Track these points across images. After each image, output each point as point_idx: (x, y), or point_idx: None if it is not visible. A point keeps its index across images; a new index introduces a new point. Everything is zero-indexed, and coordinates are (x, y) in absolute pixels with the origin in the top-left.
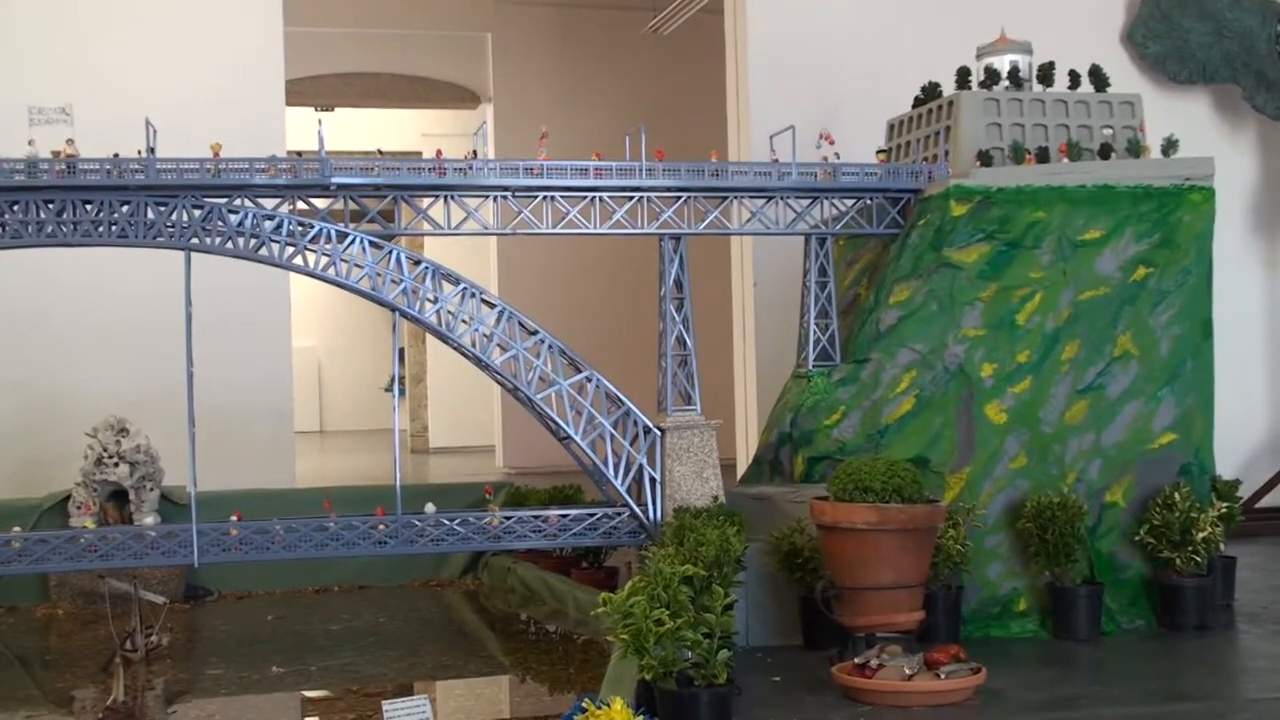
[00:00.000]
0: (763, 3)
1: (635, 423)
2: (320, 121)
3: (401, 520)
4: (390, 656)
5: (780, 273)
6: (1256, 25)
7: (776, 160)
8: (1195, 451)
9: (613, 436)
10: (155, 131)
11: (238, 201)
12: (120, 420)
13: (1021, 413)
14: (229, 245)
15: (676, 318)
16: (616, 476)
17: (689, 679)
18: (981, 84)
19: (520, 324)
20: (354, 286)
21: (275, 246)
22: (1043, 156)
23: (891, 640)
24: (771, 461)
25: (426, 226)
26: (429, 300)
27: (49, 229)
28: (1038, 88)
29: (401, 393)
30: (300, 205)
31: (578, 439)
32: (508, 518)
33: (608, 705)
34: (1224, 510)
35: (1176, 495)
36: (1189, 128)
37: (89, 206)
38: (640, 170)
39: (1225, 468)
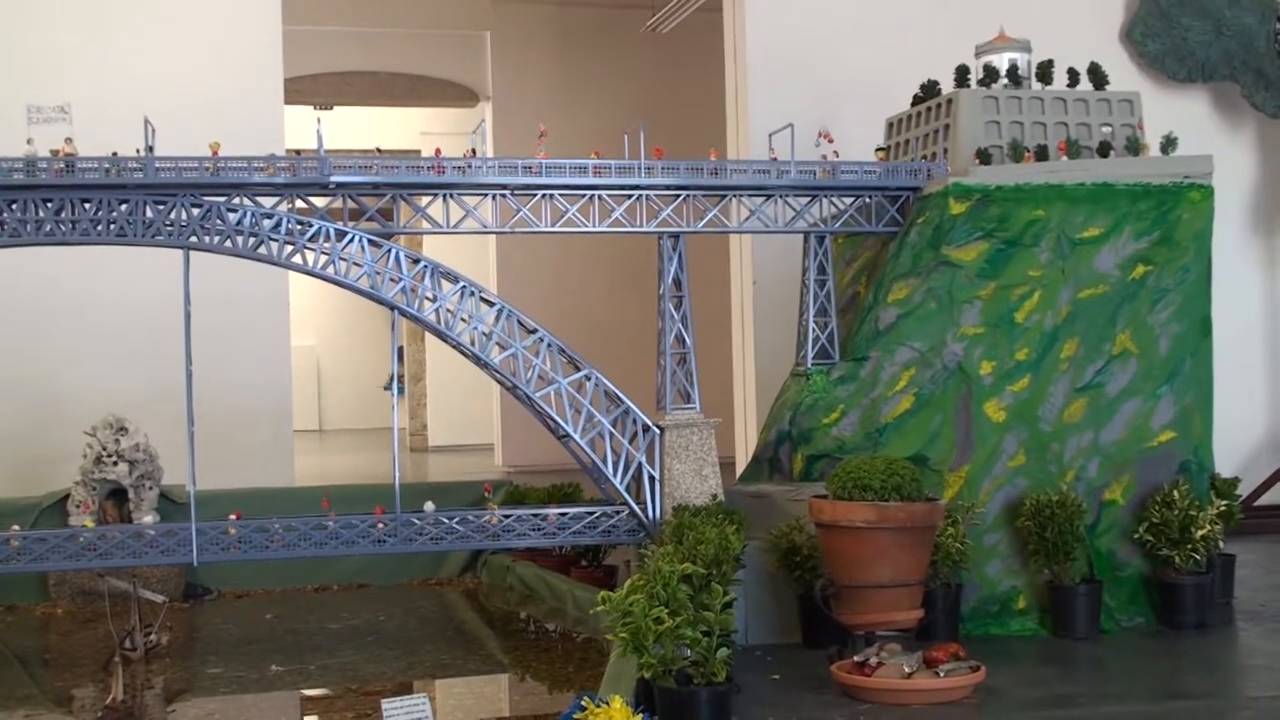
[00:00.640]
0: (761, 1)
1: (634, 421)
2: (319, 120)
3: (400, 519)
4: (389, 655)
5: (779, 271)
6: (1255, 23)
7: (775, 158)
8: (1194, 449)
9: (612, 435)
10: (154, 130)
11: (236, 200)
12: (119, 419)
13: (1020, 411)
14: (228, 244)
15: (675, 316)
16: (615, 475)
17: (688, 677)
18: (980, 82)
19: (519, 322)
20: (353, 285)
21: (274, 245)
22: (1041, 154)
23: (890, 638)
24: (770, 460)
25: (425, 225)
26: (428, 298)
27: (48, 228)
28: (1036, 86)
29: (400, 391)
30: (299, 204)
31: (577, 437)
32: (507, 516)
33: (607, 704)
34: (1223, 508)
35: (1175, 493)
36: (1188, 126)
37: (88, 205)
38: (639, 168)
39: (1224, 465)
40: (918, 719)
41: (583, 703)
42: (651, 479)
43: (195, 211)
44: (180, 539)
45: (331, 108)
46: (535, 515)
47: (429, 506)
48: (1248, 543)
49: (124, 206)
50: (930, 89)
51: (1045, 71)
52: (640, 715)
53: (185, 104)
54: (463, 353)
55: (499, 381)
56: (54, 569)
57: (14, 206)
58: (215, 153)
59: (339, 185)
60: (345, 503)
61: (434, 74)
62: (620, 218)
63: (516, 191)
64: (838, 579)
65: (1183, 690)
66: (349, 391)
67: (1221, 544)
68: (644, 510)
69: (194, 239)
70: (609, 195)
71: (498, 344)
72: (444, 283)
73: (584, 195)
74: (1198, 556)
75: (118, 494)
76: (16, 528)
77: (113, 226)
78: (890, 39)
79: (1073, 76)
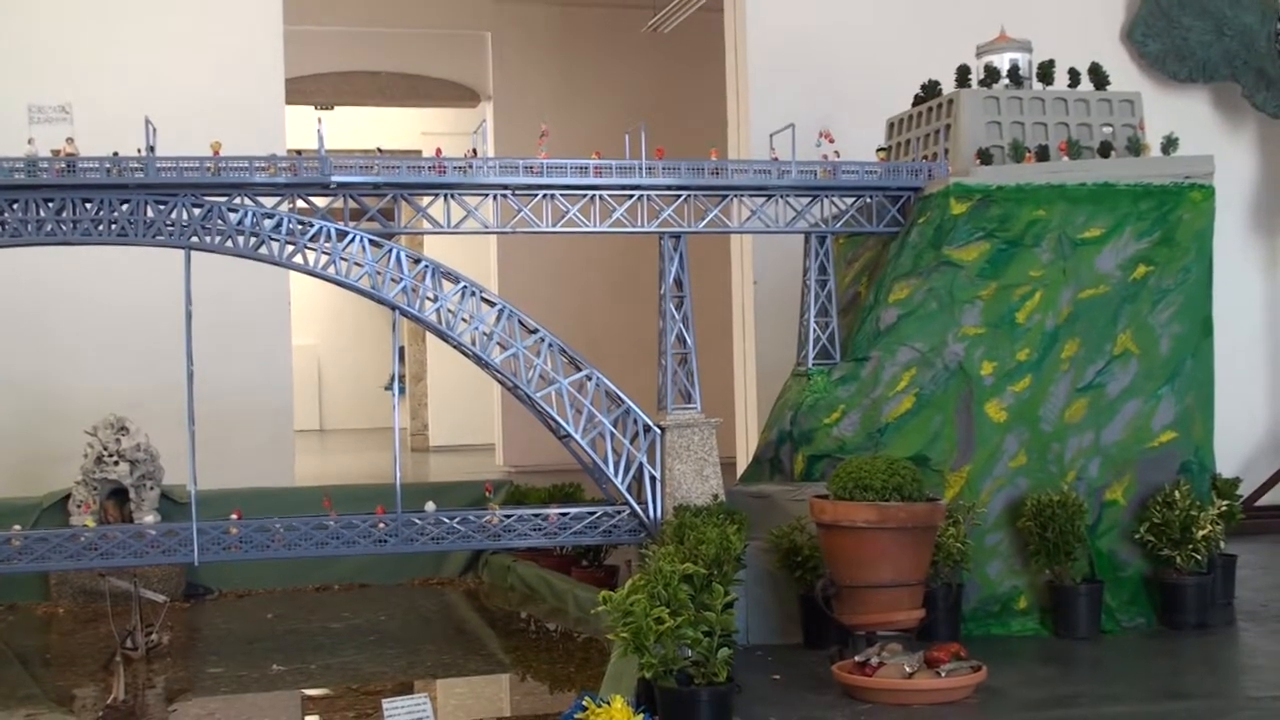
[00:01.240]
0: (762, 1)
1: (635, 421)
2: (320, 120)
3: (401, 519)
4: (390, 655)
5: (780, 271)
6: (1256, 23)
7: (776, 158)
8: (1195, 449)
9: (613, 435)
10: (155, 130)
11: (237, 200)
12: (120, 419)
13: (1021, 411)
14: (229, 244)
15: (676, 316)
16: (616, 475)
17: (689, 677)
18: (981, 82)
19: (520, 322)
20: (354, 285)
21: (275, 245)
22: (1043, 155)
23: (892, 638)
24: (771, 460)
25: (426, 225)
26: (429, 299)
27: (49, 227)
28: (1038, 86)
29: (401, 391)
30: (300, 204)
31: (578, 437)
32: (508, 516)
33: (608, 704)
34: (1224, 508)
35: (1176, 493)
36: (1189, 126)
37: (89, 205)
38: (640, 168)
39: (1225, 466)
40: (919, 719)
41: (584, 703)
42: (652, 479)
43: (196, 211)
44: (181, 539)
45: (332, 108)
46: (536, 515)
47: (430, 506)
48: (1249, 543)
49: (125, 206)
50: (931, 89)
51: (1046, 72)
52: (641, 715)
53: (186, 104)
54: (464, 353)
55: (500, 382)
56: (55, 568)
57: (15, 206)
58: (216, 153)
59: (340, 185)
60: (346, 502)
61: (435, 74)
62: (621, 218)
63: (517, 191)
64: (839, 579)
65: (1184, 691)
66: (350, 391)
67: (1222, 544)
68: (645, 510)
69: (195, 239)
70: (610, 195)
71: (499, 344)
72: (445, 283)
73: (585, 195)
74: (1199, 557)
75: (119, 494)
76: (18, 527)
77: (114, 226)
78: (891, 39)
79: (1074, 77)
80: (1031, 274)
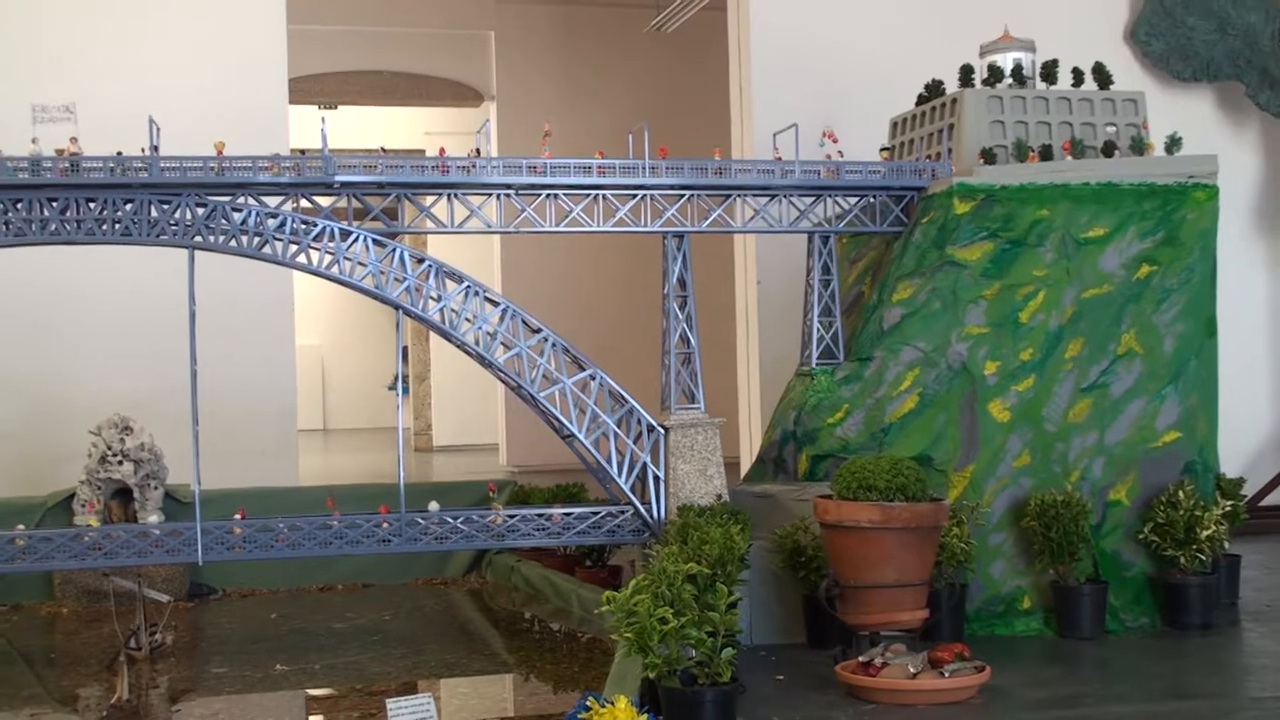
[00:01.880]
0: (766, 0)
1: (639, 421)
2: (323, 120)
3: (405, 519)
4: (394, 655)
5: (784, 271)
6: (1260, 22)
7: (780, 158)
8: (1199, 449)
9: (616, 435)
10: (158, 129)
11: (241, 199)
12: (124, 418)
13: (1025, 411)
14: (232, 243)
15: (680, 316)
16: (620, 475)
17: (693, 678)
18: (985, 81)
19: (524, 322)
20: (358, 285)
21: (279, 245)
22: (1046, 154)
23: (895, 639)
24: (775, 460)
25: (430, 225)
26: (432, 298)
27: (52, 227)
28: (1041, 85)
29: (405, 391)
30: (304, 203)
31: (581, 437)
32: (511, 516)
33: (612, 704)
34: (1228, 508)
35: (1180, 493)
36: (1192, 126)
37: (92, 205)
38: (643, 168)
39: (1229, 466)
40: (923, 719)
41: (588, 703)
42: (656, 479)
43: (200, 211)
44: (185, 538)
45: (336, 107)
46: (540, 515)
47: (433, 506)
48: (1253, 543)
49: (129, 206)
50: (935, 88)
51: (1050, 71)
52: (645, 715)
53: (190, 103)
54: (467, 352)
55: (503, 381)
56: (59, 568)
57: (19, 206)
58: (220, 152)
59: (343, 185)
60: (350, 502)
61: (438, 73)
62: (625, 217)
63: (521, 191)
64: (842, 579)
65: (1188, 691)
66: (353, 391)
67: (1227, 544)
68: (649, 510)
69: (199, 238)
70: (613, 195)
71: (502, 344)
72: (448, 282)
73: (588, 195)
74: (1203, 557)
75: (123, 493)
76: (21, 527)
77: (118, 226)
78: (895, 39)
79: (1077, 76)
80: (1035, 273)
